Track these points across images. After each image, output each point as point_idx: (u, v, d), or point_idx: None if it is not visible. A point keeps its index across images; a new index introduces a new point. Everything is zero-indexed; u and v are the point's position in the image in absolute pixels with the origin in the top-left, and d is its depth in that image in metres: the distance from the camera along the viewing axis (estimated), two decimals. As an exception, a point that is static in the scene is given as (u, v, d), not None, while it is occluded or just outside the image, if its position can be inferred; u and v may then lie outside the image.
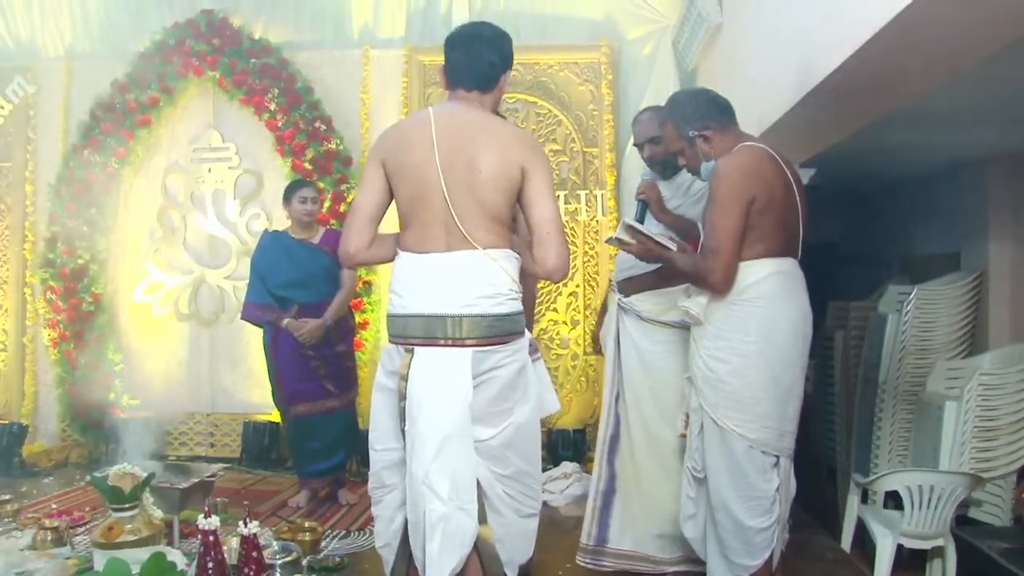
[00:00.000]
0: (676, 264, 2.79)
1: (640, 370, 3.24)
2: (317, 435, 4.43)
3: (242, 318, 4.67)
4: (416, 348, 2.32)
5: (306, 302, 4.37)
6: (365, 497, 3.20)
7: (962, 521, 3.75)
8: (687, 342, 2.94)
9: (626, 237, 2.84)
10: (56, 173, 5.78)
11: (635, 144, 3.43)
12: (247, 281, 5.67)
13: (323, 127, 5.52)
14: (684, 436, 2.94)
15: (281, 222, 5.65)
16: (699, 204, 3.19)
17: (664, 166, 3.26)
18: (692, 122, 2.81)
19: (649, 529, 3.25)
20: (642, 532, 3.27)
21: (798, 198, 2.75)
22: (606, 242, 3.39)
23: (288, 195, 4.49)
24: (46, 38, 6.10)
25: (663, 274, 3.01)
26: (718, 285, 2.64)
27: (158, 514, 3.33)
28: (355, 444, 4.56)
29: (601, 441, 3.38)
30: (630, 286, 3.27)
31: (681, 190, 3.25)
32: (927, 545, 3.43)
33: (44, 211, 5.83)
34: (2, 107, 5.99)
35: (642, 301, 3.22)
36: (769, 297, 2.65)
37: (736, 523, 2.68)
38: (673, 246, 2.81)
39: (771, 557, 2.72)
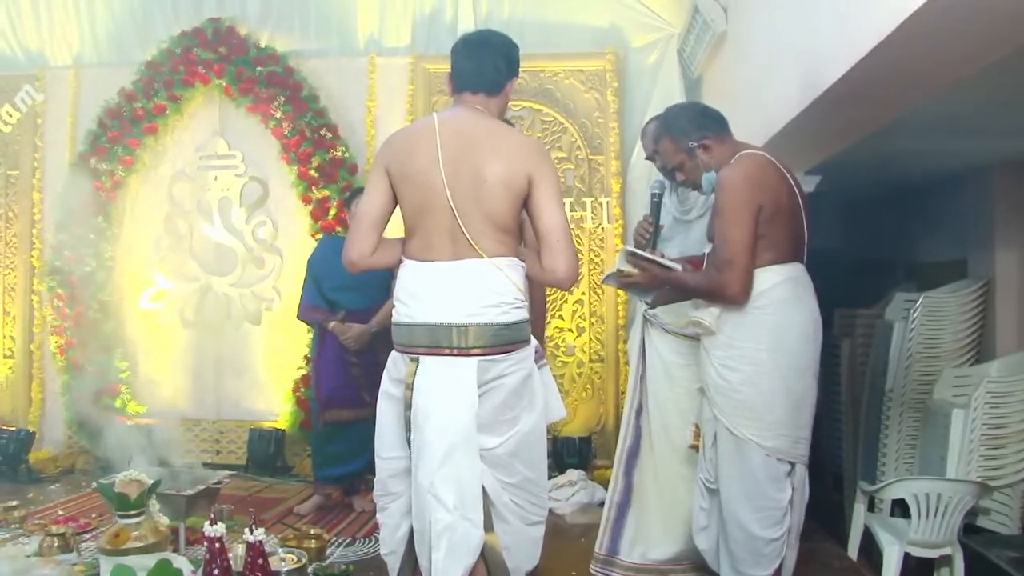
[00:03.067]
0: (688, 284, 2.76)
1: (665, 381, 3.24)
2: (342, 440, 4.46)
3: (298, 318, 4.74)
4: (421, 357, 2.32)
5: (355, 308, 4.43)
6: (373, 504, 3.23)
7: (970, 530, 3.73)
8: None
9: (627, 267, 2.78)
10: (63, 181, 5.80)
11: (647, 158, 3.43)
12: (252, 288, 5.77)
13: (329, 135, 5.54)
14: (695, 447, 2.92)
15: (285, 230, 5.69)
16: (709, 213, 3.19)
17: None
18: (689, 134, 2.80)
19: (671, 545, 3.24)
20: (660, 546, 3.26)
21: (801, 203, 2.75)
22: (603, 282, 3.34)
23: (349, 201, 4.60)
24: (54, 47, 6.13)
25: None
26: (737, 297, 2.62)
27: (164, 521, 3.34)
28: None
29: (619, 453, 3.38)
30: (657, 297, 3.27)
31: (700, 200, 3.23)
32: (934, 554, 3.41)
33: (51, 219, 5.85)
34: (10, 115, 6.02)
35: (667, 313, 3.20)
36: (780, 304, 2.64)
37: (747, 534, 2.66)
38: (679, 267, 2.77)
39: (781, 566, 2.70)
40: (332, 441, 4.49)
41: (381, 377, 4.35)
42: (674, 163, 2.88)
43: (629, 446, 3.34)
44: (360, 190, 4.62)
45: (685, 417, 3.16)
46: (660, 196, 3.21)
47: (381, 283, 4.37)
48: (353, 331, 4.37)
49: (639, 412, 3.33)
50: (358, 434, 4.40)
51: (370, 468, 4.60)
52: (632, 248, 2.83)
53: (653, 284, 2.84)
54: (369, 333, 4.38)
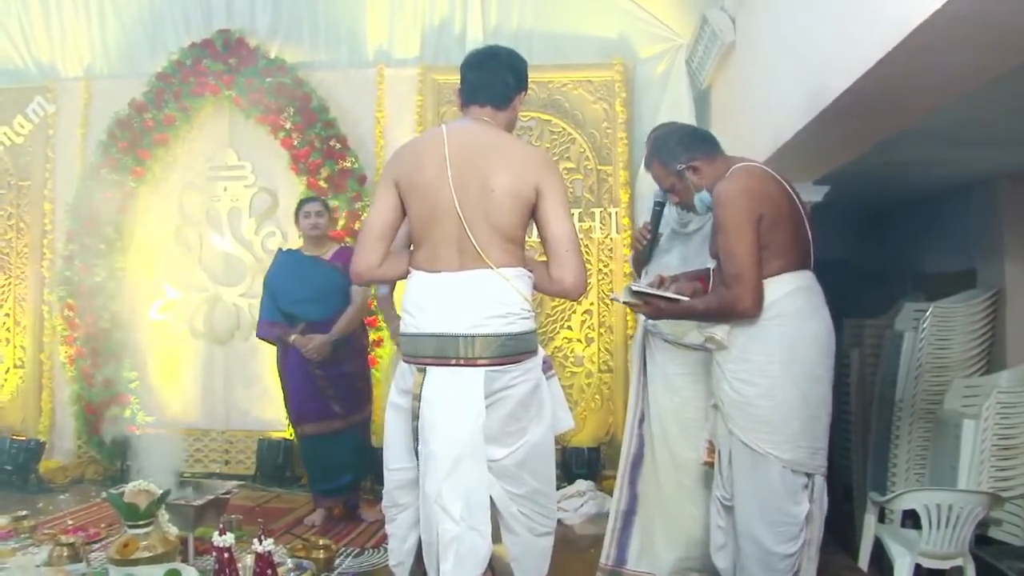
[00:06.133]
0: (699, 309, 2.73)
1: (665, 392, 3.25)
2: (327, 454, 4.43)
3: (257, 336, 4.73)
4: (428, 368, 2.32)
5: (315, 319, 4.38)
6: (381, 515, 3.23)
7: (981, 540, 3.71)
8: (710, 365, 2.93)
9: (632, 300, 2.75)
10: (74, 191, 5.85)
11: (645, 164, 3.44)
12: (261, 299, 5.77)
13: (338, 146, 5.56)
14: (709, 463, 2.90)
15: (294, 240, 5.69)
16: (707, 225, 3.20)
17: None
18: (677, 156, 2.79)
19: (671, 552, 3.24)
20: (661, 555, 3.26)
21: (803, 211, 2.74)
22: (611, 299, 3.36)
23: (296, 212, 4.58)
24: (66, 59, 6.19)
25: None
26: (750, 311, 2.60)
27: (173, 531, 3.35)
28: (369, 463, 4.55)
29: (623, 462, 3.39)
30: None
31: (688, 214, 3.25)
32: (946, 565, 3.39)
33: (62, 229, 5.89)
34: (22, 126, 6.07)
35: (666, 324, 3.21)
36: (791, 314, 2.62)
37: (762, 550, 2.63)
38: (685, 296, 2.73)
39: None
40: (320, 456, 4.46)
41: (348, 387, 4.42)
42: (666, 186, 2.89)
43: (633, 455, 3.36)
44: (308, 200, 4.64)
45: (684, 427, 3.18)
46: (663, 205, 3.24)
47: (339, 293, 4.36)
48: (315, 342, 4.31)
49: (641, 421, 3.35)
50: (343, 445, 4.40)
51: (375, 477, 4.62)
52: (636, 286, 2.79)
53: (659, 315, 2.82)
54: (331, 343, 4.33)
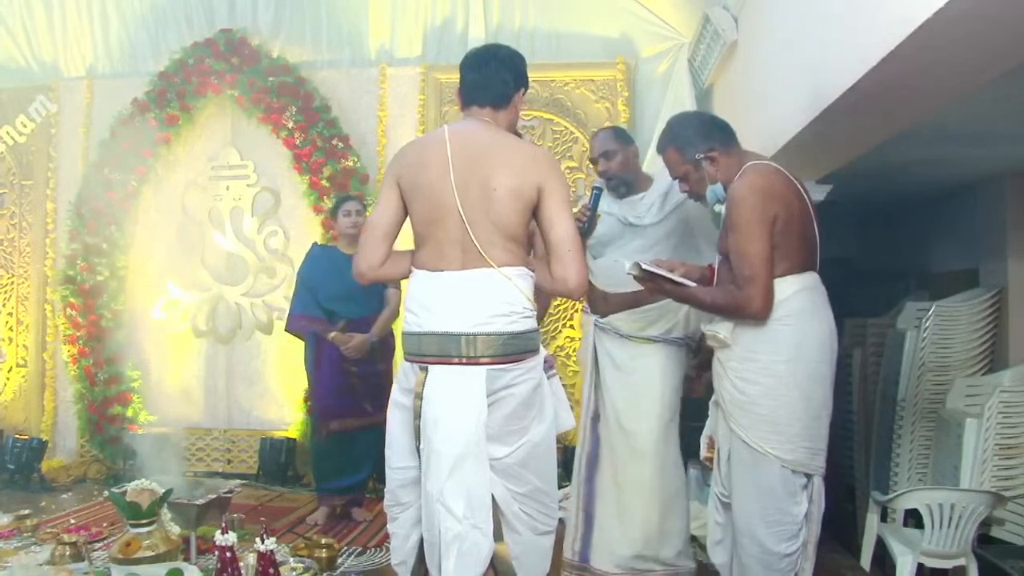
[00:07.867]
0: (705, 300, 2.71)
1: (620, 385, 3.31)
2: (344, 451, 4.43)
3: (286, 330, 4.70)
4: (430, 366, 2.32)
5: (352, 317, 4.39)
6: (382, 514, 3.23)
7: (984, 540, 3.70)
8: (667, 354, 3.13)
9: (636, 272, 2.73)
10: (77, 191, 5.86)
11: (590, 159, 3.51)
12: (264, 298, 5.78)
13: (340, 145, 5.56)
14: (708, 459, 2.90)
15: (297, 239, 5.72)
16: (666, 220, 3.25)
17: (620, 182, 3.34)
18: (696, 145, 2.75)
19: (627, 548, 3.31)
20: (618, 551, 3.33)
21: (812, 210, 2.73)
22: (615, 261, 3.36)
23: (334, 210, 4.58)
24: (68, 58, 6.20)
25: (640, 296, 3.01)
26: (761, 312, 2.58)
27: (175, 530, 3.35)
28: (380, 463, 4.54)
29: (578, 461, 3.45)
30: (605, 306, 3.33)
31: (642, 209, 3.31)
32: (948, 564, 3.39)
33: (65, 228, 5.89)
34: (25, 126, 6.08)
35: (620, 320, 3.29)
36: (797, 314, 2.61)
37: (761, 548, 2.63)
38: (691, 282, 2.71)
39: None
40: (335, 453, 4.46)
41: (378, 385, 4.42)
42: (678, 174, 2.83)
43: (588, 453, 3.41)
44: (344, 199, 4.63)
45: (646, 419, 3.25)
46: (600, 191, 3.28)
47: (375, 293, 4.35)
48: (355, 340, 4.31)
49: (595, 419, 3.40)
50: (359, 444, 4.40)
51: (377, 475, 4.61)
52: (647, 265, 2.72)
53: (661, 294, 2.83)
54: (370, 342, 4.35)
